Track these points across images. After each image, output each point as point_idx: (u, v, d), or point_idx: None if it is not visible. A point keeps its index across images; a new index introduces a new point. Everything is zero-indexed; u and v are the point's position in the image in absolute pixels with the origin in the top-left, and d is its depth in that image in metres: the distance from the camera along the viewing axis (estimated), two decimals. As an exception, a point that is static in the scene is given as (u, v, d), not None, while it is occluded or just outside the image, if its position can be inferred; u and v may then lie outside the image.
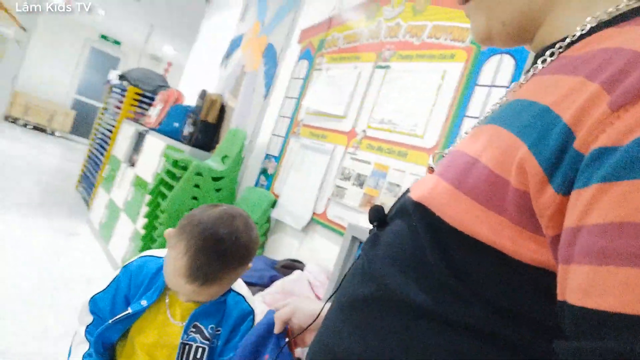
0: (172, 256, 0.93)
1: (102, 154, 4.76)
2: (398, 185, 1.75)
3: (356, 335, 0.52)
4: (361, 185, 1.92)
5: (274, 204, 2.38)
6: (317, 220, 2.09)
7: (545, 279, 0.43)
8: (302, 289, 1.75)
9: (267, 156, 2.66)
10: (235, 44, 3.63)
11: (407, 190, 0.58)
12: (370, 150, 1.95)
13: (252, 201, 2.48)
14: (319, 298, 1.76)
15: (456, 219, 0.47)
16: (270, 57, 3.00)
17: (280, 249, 2.30)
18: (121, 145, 4.16)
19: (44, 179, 5.52)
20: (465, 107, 1.61)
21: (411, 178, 1.71)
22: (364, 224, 1.78)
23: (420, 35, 1.89)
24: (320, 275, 1.78)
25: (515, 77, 1.48)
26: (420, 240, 0.50)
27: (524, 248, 0.44)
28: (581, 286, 0.37)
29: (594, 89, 0.41)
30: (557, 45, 0.50)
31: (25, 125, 9.49)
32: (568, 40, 0.49)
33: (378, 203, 1.79)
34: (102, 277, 3.14)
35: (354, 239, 1.42)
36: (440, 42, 1.79)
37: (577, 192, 0.39)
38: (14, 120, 9.38)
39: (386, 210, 0.61)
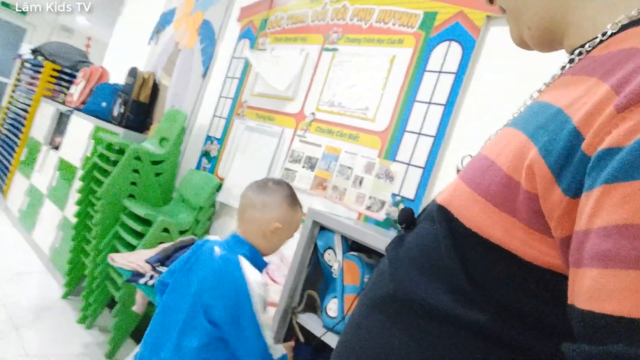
0: (292, 227, 1.38)
1: (16, 136, 4.38)
2: (350, 168, 1.79)
3: (374, 334, 0.53)
4: (312, 167, 1.93)
5: (219, 188, 2.34)
6: (266, 204, 2.08)
7: (554, 280, 0.44)
8: (258, 273, 1.75)
9: (209, 138, 2.59)
10: (166, 18, 3.46)
11: (437, 196, 0.60)
12: (320, 132, 1.96)
13: (195, 184, 2.41)
14: (274, 281, 1.77)
15: (472, 221, 0.48)
16: (207, 34, 2.89)
17: (226, 233, 2.27)
18: (40, 126, 3.85)
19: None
20: (415, 92, 1.67)
21: (363, 161, 1.75)
22: (318, 207, 1.80)
23: (369, 19, 1.91)
24: (275, 259, 1.78)
25: (462, 64, 1.55)
26: (439, 243, 0.51)
27: (534, 249, 0.45)
28: (588, 290, 0.38)
29: (604, 90, 0.41)
30: (587, 45, 0.51)
31: None
32: (598, 39, 0.50)
33: (332, 185, 1.82)
34: (30, 270, 2.94)
35: (314, 223, 1.44)
36: (389, 27, 1.82)
37: (586, 195, 0.39)
38: None
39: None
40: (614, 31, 0.48)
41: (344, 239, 1.40)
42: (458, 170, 0.63)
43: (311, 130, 2.00)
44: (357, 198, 1.73)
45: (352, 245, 1.41)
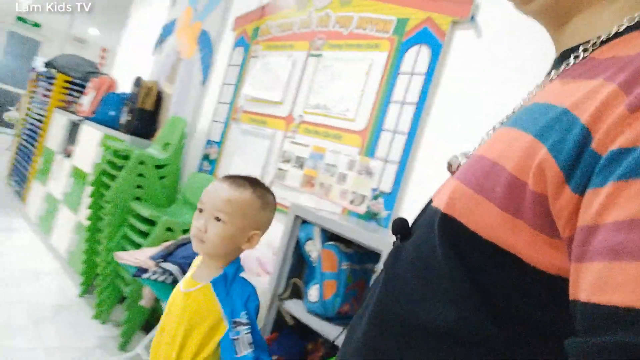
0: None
1: (32, 145, 4.60)
2: (334, 166, 1.92)
3: (381, 354, 0.53)
4: (301, 166, 2.07)
5: (218, 188, 2.49)
6: (261, 202, 2.23)
7: (561, 286, 0.43)
8: (252, 266, 1.90)
9: (209, 142, 2.74)
10: (167, 29, 3.62)
11: (431, 200, 0.58)
12: (307, 134, 2.10)
13: (197, 187, 2.57)
14: (268, 273, 1.91)
15: (477, 224, 0.47)
16: (206, 43, 3.05)
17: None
18: (54, 136, 4.05)
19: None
20: (390, 93, 1.79)
21: (345, 159, 1.88)
22: (304, 203, 1.94)
23: (349, 25, 2.04)
24: (267, 252, 1.92)
25: (431, 66, 1.68)
26: (438, 250, 0.50)
27: (540, 253, 0.44)
28: (594, 283, 0.37)
29: (611, 89, 0.41)
30: (591, 42, 0.50)
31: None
32: (603, 37, 0.49)
33: (319, 182, 1.96)
34: (49, 271, 3.13)
35: (296, 217, 1.58)
36: (367, 33, 1.95)
37: (593, 191, 0.39)
38: None
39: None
40: (618, 31, 0.48)
41: (323, 230, 1.53)
42: (450, 170, 0.63)
43: (300, 132, 2.14)
44: (341, 193, 1.87)
45: (330, 237, 1.54)
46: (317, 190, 1.97)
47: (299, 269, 1.62)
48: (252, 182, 1.14)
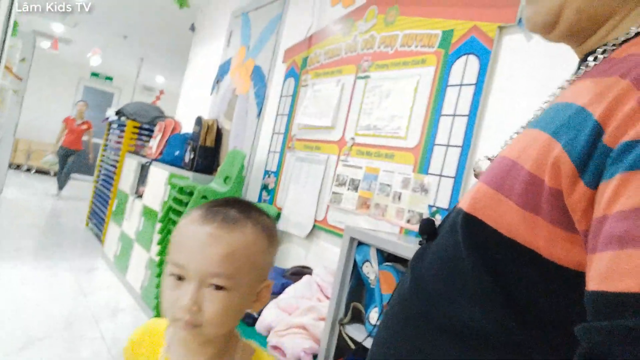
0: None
1: (108, 189, 4.91)
2: (389, 185, 1.89)
3: (405, 353, 0.53)
4: (356, 189, 2.06)
5: (278, 217, 2.52)
6: (319, 227, 2.23)
7: (579, 281, 0.43)
8: (313, 292, 1.88)
9: (267, 172, 2.80)
10: (223, 69, 3.79)
11: (458, 202, 0.59)
12: (360, 155, 2.09)
13: (257, 216, 2.61)
14: (328, 298, 1.89)
15: (498, 222, 0.48)
16: (259, 78, 3.15)
17: (288, 258, 2.43)
18: (126, 179, 4.31)
19: (54, 221, 5.68)
20: (440, 106, 1.75)
21: (399, 177, 1.85)
22: (361, 225, 1.92)
23: (394, 44, 2.04)
24: (327, 277, 1.91)
25: (480, 76, 1.63)
26: (462, 249, 0.51)
27: (559, 248, 0.45)
28: (601, 272, 0.38)
29: (624, 85, 0.42)
30: (611, 44, 0.51)
31: (28, 170, 9.68)
32: (622, 38, 0.50)
33: (374, 203, 1.93)
34: (125, 307, 3.28)
35: (352, 239, 1.55)
36: (412, 50, 1.93)
37: (604, 184, 0.40)
38: (17, 167, 9.58)
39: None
40: (637, 31, 0.50)
41: (379, 251, 1.50)
42: (476, 175, 0.64)
43: (352, 154, 2.14)
44: (397, 213, 1.83)
45: (387, 257, 1.50)
46: (372, 211, 1.94)
47: (358, 292, 1.59)
48: (244, 209, 0.71)
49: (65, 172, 7.45)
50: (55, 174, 7.71)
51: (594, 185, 0.41)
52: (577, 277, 0.44)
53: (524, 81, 1.53)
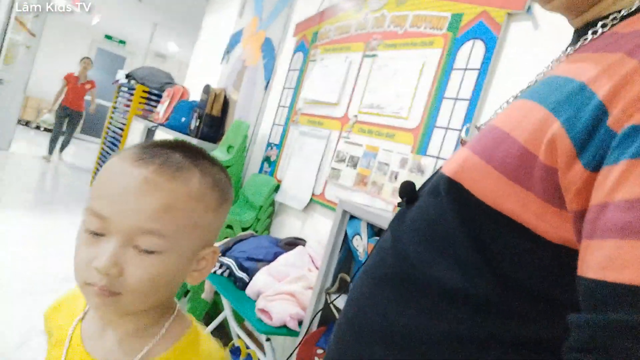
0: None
1: (114, 151, 4.96)
2: (387, 164, 1.92)
3: (381, 311, 0.53)
4: (355, 166, 2.09)
5: (277, 189, 2.56)
6: (316, 201, 2.27)
7: (566, 255, 0.43)
8: (304, 262, 1.93)
9: (269, 144, 2.83)
10: (235, 39, 3.79)
11: (440, 167, 0.58)
12: (361, 133, 2.11)
13: (257, 187, 2.65)
14: (318, 269, 1.94)
15: (484, 193, 0.47)
16: (269, 50, 3.15)
17: (284, 229, 2.48)
18: (132, 142, 4.35)
19: (61, 180, 5.75)
20: (444, 89, 1.77)
21: (398, 157, 1.87)
22: (356, 200, 1.95)
23: (404, 25, 2.04)
24: (319, 249, 1.95)
25: (485, 61, 1.63)
26: (445, 215, 0.50)
27: (548, 223, 0.44)
28: (602, 261, 0.37)
29: (632, 66, 0.41)
30: (613, 16, 0.49)
31: (37, 128, 9.75)
32: (624, 12, 0.48)
33: (371, 181, 1.96)
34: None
35: (344, 212, 1.59)
36: (421, 31, 1.94)
37: (607, 169, 0.39)
38: (27, 123, 9.65)
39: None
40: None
41: (370, 225, 1.53)
42: (462, 141, 0.63)
43: (354, 132, 2.16)
44: (393, 192, 1.86)
45: (378, 232, 1.54)
46: (369, 188, 1.97)
47: (347, 264, 1.63)
48: (192, 154, 0.57)
49: (67, 135, 6.88)
50: (63, 134, 7.20)
51: (593, 167, 0.40)
52: (564, 252, 0.44)
53: (527, 69, 1.54)
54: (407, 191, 0.59)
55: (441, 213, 0.51)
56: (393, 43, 2.07)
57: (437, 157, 1.71)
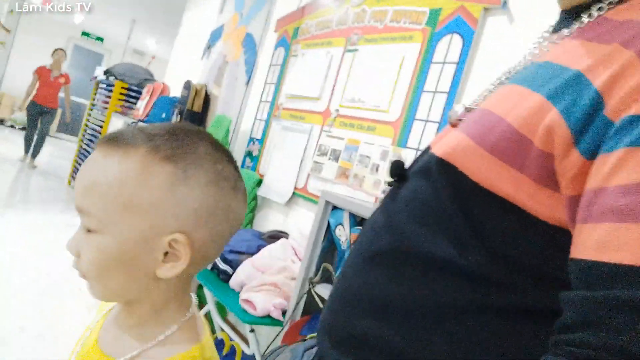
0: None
1: (92, 148, 4.89)
2: (368, 157, 1.95)
3: (373, 286, 0.53)
4: (336, 159, 2.11)
5: (259, 183, 2.57)
6: (298, 194, 2.29)
7: (558, 235, 0.45)
8: (287, 254, 1.95)
9: (251, 139, 2.84)
10: (215, 35, 3.78)
11: (428, 147, 0.59)
12: (343, 127, 2.14)
13: (239, 182, 2.66)
14: (299, 258, 1.96)
15: (478, 174, 0.48)
16: (250, 46, 3.16)
17: (267, 223, 2.49)
18: (112, 139, 4.30)
19: (36, 178, 5.65)
20: (423, 82, 1.81)
21: (379, 149, 1.91)
22: (338, 192, 1.98)
23: (384, 19, 2.07)
24: (302, 241, 1.97)
25: (463, 54, 1.68)
26: (440, 195, 0.51)
27: (542, 205, 0.45)
28: (597, 243, 0.38)
29: (628, 56, 0.42)
30: (607, 1, 0.50)
31: (12, 127, 9.54)
32: None
33: (353, 174, 1.99)
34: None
35: (327, 203, 1.61)
36: (400, 26, 1.97)
37: (604, 157, 0.40)
38: (1, 121, 9.44)
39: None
40: None
41: (352, 216, 1.56)
42: (451, 121, 0.62)
43: (335, 125, 2.18)
44: (374, 184, 1.89)
45: (360, 222, 1.57)
46: (351, 181, 2.00)
47: (330, 254, 1.66)
48: (151, 132, 0.50)
49: (39, 136, 6.10)
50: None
51: (589, 155, 0.41)
52: (557, 231, 0.45)
53: (503, 63, 1.58)
54: (398, 170, 0.60)
55: (435, 193, 0.52)
56: (373, 38, 2.11)
57: (417, 149, 1.75)
